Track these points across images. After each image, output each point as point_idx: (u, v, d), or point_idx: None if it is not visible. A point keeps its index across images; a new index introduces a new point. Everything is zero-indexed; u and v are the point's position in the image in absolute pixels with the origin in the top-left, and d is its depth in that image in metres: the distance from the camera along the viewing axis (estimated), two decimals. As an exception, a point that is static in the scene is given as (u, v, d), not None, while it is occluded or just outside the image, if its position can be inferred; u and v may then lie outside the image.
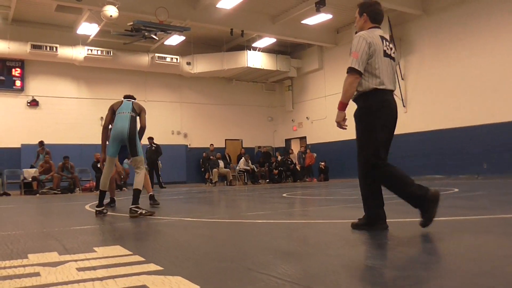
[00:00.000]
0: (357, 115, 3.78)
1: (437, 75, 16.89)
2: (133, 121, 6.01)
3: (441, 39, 16.77)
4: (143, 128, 6.27)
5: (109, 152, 6.06)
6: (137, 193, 5.75)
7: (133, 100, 6.43)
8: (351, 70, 3.58)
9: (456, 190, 9.13)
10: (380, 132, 3.61)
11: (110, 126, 6.29)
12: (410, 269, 2.28)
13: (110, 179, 7.00)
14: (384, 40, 3.68)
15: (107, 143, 6.23)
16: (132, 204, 5.65)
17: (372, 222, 3.67)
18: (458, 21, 16.20)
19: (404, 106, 17.96)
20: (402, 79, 17.95)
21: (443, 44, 16.70)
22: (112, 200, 7.60)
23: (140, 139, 6.20)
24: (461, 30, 16.09)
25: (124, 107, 6.21)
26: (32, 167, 16.13)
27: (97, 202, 6.12)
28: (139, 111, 6.24)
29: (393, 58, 3.70)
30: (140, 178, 5.87)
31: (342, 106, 3.71)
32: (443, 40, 16.68)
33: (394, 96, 3.76)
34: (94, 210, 6.10)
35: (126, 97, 6.55)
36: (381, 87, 3.57)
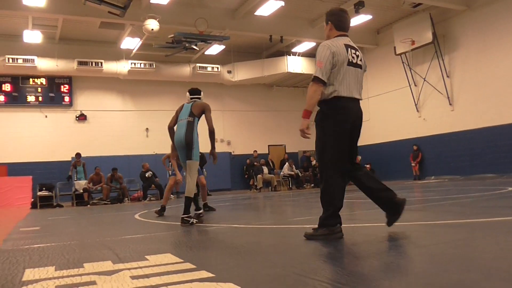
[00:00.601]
0: (316, 121, 3.86)
1: (483, 71, 16.34)
2: (189, 127, 5.92)
3: (486, 34, 16.23)
4: (210, 131, 5.86)
5: (183, 159, 6.02)
6: (188, 201, 5.63)
7: (194, 101, 6.23)
8: (315, 79, 3.64)
9: (510, 189, 8.78)
10: (337, 137, 3.69)
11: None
12: (466, 272, 2.21)
13: (169, 187, 7.21)
14: (349, 49, 3.71)
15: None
16: (183, 214, 5.59)
17: (330, 232, 3.66)
18: (503, 15, 15.63)
19: (450, 104, 17.46)
20: (448, 76, 17.47)
21: (488, 39, 16.16)
22: (162, 208, 7.76)
23: (213, 143, 5.89)
24: (507, 24, 15.52)
25: (183, 113, 6.17)
26: (68, 178, 16.54)
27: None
28: (199, 112, 6.01)
29: (359, 66, 3.77)
30: (190, 186, 5.69)
31: (306, 114, 3.70)
32: (489, 35, 16.14)
33: (359, 103, 3.85)
34: (180, 218, 5.69)
35: (191, 92, 6.31)
36: (341, 94, 3.65)
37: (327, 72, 3.61)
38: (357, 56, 3.75)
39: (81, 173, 16.64)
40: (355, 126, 3.79)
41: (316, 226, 3.74)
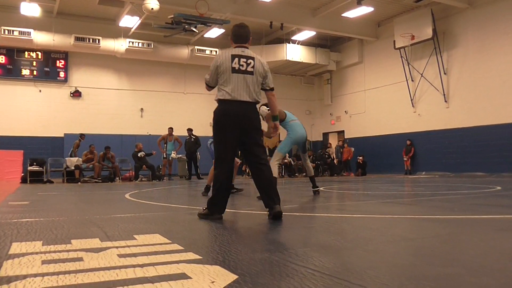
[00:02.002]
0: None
1: (481, 70, 16.36)
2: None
3: (486, 33, 16.22)
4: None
5: (284, 150, 7.30)
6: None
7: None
8: (205, 83, 4.56)
9: (499, 188, 8.85)
10: (220, 135, 4.31)
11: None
12: (450, 266, 2.23)
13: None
14: (237, 58, 4.27)
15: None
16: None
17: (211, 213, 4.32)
18: (505, 15, 15.63)
19: (445, 101, 17.51)
20: (445, 73, 17.50)
21: (488, 38, 16.15)
22: (207, 188, 7.77)
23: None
24: (508, 24, 15.52)
25: (291, 114, 7.39)
26: (72, 155, 16.54)
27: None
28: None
29: (249, 73, 4.29)
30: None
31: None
32: (489, 34, 16.13)
33: (250, 104, 4.34)
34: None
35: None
36: (226, 97, 4.23)
37: (213, 79, 4.39)
38: (248, 64, 4.30)
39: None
40: (243, 124, 4.27)
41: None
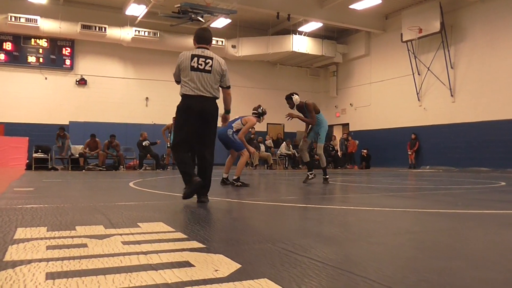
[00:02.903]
0: None
1: (488, 65, 16.26)
2: None
3: (494, 28, 16.09)
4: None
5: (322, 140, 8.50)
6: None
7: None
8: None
9: (503, 183, 8.82)
10: (182, 126, 4.79)
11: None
12: (453, 260, 2.23)
13: (244, 160, 7.56)
14: (196, 58, 4.75)
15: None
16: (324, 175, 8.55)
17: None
18: (514, 8, 15.50)
19: (451, 96, 17.43)
20: (452, 68, 17.39)
21: (497, 33, 16.03)
22: (237, 179, 7.67)
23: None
24: (518, 18, 15.40)
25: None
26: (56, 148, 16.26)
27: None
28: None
29: (207, 71, 4.73)
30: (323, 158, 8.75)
31: None
32: (497, 28, 16.00)
33: (208, 98, 4.75)
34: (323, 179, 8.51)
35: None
36: (186, 93, 4.71)
37: (177, 75, 4.87)
38: (206, 63, 4.76)
39: None
40: (202, 116, 4.71)
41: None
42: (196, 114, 4.71)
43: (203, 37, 4.99)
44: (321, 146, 8.57)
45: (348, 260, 2.22)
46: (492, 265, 2.15)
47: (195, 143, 4.89)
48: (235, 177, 7.68)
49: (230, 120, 7.54)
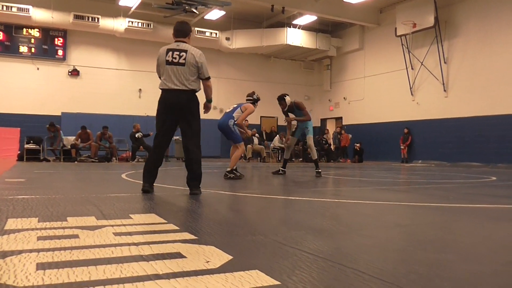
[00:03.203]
0: None
1: (481, 60, 16.32)
2: None
3: (488, 24, 16.14)
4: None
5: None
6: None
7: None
8: None
9: (494, 178, 8.89)
10: (157, 118, 4.93)
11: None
12: (442, 253, 2.25)
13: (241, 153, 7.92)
14: (171, 51, 4.86)
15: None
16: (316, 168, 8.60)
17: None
18: (508, 5, 15.53)
19: (444, 91, 17.49)
20: (445, 63, 17.45)
21: (490, 29, 16.08)
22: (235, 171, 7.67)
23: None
24: (511, 15, 15.43)
25: None
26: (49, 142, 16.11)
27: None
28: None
29: (181, 64, 4.80)
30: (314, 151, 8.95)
31: None
32: (491, 25, 16.05)
33: (182, 91, 4.82)
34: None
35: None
36: (162, 87, 4.88)
37: (157, 70, 5.02)
38: (180, 57, 4.82)
39: None
40: (177, 109, 4.82)
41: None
42: (171, 107, 4.82)
43: (180, 30, 5.06)
44: (310, 137, 8.96)
45: (339, 252, 2.24)
46: (481, 258, 2.17)
47: (171, 136, 5.05)
48: (228, 169, 7.68)
49: (229, 110, 8.01)
